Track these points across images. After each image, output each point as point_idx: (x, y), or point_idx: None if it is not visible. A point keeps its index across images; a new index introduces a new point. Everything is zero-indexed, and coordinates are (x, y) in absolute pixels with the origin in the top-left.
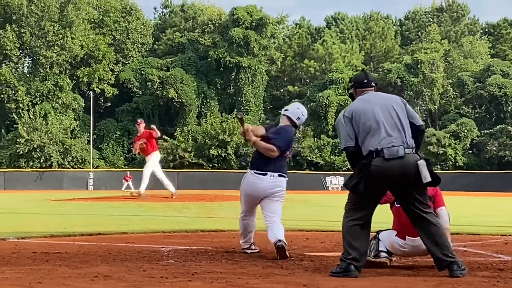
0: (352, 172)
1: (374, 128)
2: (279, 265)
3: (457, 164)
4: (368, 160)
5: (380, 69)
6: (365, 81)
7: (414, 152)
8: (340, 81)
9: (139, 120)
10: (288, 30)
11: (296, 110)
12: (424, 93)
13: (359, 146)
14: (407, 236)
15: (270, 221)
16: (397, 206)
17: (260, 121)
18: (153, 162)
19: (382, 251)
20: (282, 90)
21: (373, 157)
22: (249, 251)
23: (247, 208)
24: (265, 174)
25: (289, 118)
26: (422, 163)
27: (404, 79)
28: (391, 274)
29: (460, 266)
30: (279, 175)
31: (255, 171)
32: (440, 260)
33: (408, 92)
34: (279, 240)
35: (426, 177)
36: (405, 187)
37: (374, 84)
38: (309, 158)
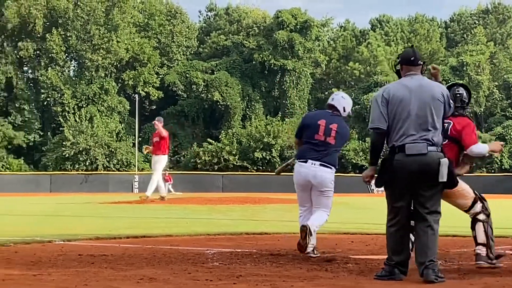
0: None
1: (403, 121)
2: (324, 268)
3: (503, 167)
4: (391, 154)
5: (426, 72)
6: (412, 58)
7: (439, 150)
8: (385, 83)
9: (156, 119)
10: (332, 32)
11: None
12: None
13: (387, 133)
14: None
15: (314, 211)
16: None
17: None
18: (161, 166)
19: None
20: (326, 92)
21: (396, 152)
22: (313, 256)
23: (300, 202)
24: (306, 162)
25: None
26: (444, 162)
27: (449, 81)
28: None
29: (435, 271)
30: (321, 164)
31: (298, 160)
32: (420, 262)
33: None
34: (303, 226)
35: (443, 176)
36: (423, 184)
37: (421, 63)
38: (353, 161)
